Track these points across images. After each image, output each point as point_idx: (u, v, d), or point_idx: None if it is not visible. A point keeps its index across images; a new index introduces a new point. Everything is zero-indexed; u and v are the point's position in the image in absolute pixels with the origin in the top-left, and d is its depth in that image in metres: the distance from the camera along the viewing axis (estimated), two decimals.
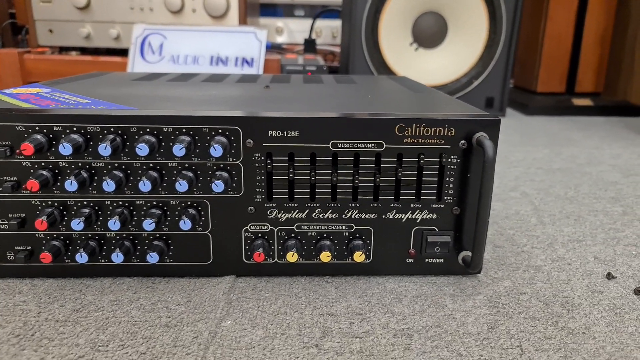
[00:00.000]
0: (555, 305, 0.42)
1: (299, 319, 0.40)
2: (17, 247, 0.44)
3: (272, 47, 1.68)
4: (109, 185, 0.40)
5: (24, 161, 0.41)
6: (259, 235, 0.44)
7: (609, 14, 1.37)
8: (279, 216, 0.44)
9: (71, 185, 0.40)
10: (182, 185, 0.41)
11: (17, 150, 0.41)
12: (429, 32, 1.31)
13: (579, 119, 1.33)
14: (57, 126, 0.40)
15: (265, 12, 2.20)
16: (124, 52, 1.33)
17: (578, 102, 1.38)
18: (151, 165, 0.42)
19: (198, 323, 0.39)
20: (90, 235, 0.43)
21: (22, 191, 0.42)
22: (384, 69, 1.29)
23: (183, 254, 0.44)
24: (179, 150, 0.40)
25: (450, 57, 1.32)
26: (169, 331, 0.38)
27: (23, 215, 0.43)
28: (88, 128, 0.40)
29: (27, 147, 0.39)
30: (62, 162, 0.41)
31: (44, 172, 0.41)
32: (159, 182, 0.42)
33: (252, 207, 0.43)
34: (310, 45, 1.70)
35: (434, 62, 1.32)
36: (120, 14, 1.29)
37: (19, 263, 0.44)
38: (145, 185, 0.40)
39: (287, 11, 2.21)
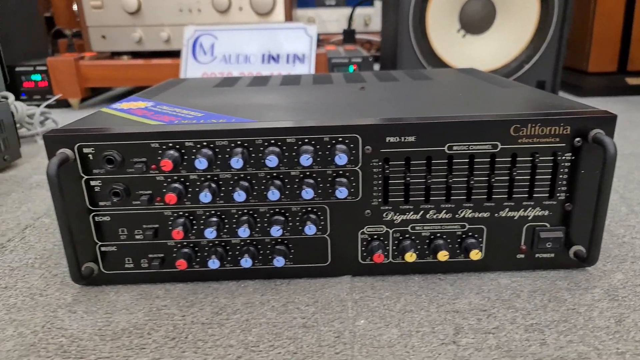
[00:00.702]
0: None
1: (427, 317, 0.41)
2: (150, 255, 0.46)
3: None
4: (239, 196, 0.42)
5: (157, 175, 0.44)
6: (375, 237, 0.46)
7: None
8: (394, 218, 0.46)
9: (205, 197, 0.43)
10: (307, 193, 0.43)
11: (153, 166, 0.43)
12: (477, 18, 1.30)
13: (634, 99, 1.31)
14: (189, 142, 0.43)
15: (298, 3, 2.20)
16: (173, 54, 1.36)
17: (632, 81, 1.35)
18: (274, 174, 0.44)
19: (333, 323, 0.41)
20: (217, 242, 0.46)
21: (155, 204, 0.45)
22: (432, 57, 1.29)
23: (303, 257, 0.47)
24: (306, 160, 0.42)
25: (499, 42, 1.30)
26: (309, 331, 0.40)
27: (156, 225, 0.45)
28: (217, 142, 0.43)
29: (167, 164, 0.42)
30: (193, 175, 0.44)
31: (178, 186, 0.44)
32: (283, 191, 0.44)
33: (368, 211, 0.45)
34: (349, 35, 1.71)
35: (482, 48, 1.31)
36: (170, 16, 1.31)
37: (153, 270, 0.47)
38: (273, 195, 0.43)
39: (319, 1, 2.20)
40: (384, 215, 0.45)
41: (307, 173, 0.44)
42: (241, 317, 0.42)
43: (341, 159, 0.42)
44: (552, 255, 0.47)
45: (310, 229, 0.44)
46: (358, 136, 0.43)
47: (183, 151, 0.43)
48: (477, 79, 0.66)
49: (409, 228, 0.46)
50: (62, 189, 0.41)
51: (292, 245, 0.46)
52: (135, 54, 1.38)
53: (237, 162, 0.42)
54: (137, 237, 0.46)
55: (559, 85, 1.31)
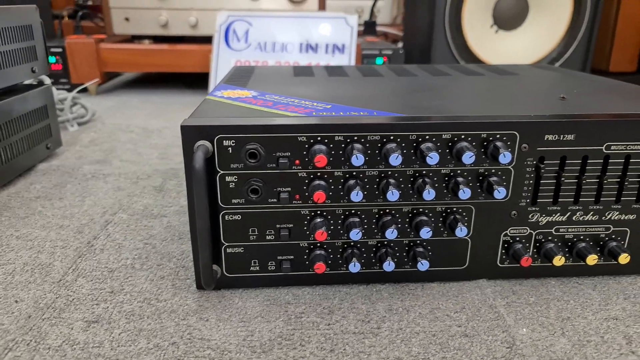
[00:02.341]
0: None
1: (588, 325, 0.40)
2: (279, 257, 0.43)
3: None
4: (393, 195, 0.39)
5: (300, 172, 0.40)
6: (517, 239, 0.44)
7: None
8: (540, 220, 0.44)
9: (357, 195, 0.39)
10: (465, 193, 0.40)
11: (297, 161, 0.40)
12: (510, 14, 1.29)
13: None
14: (338, 136, 0.39)
15: None
16: (199, 40, 1.30)
17: None
18: (430, 173, 0.41)
19: (495, 331, 0.39)
20: (356, 243, 0.43)
21: (293, 202, 0.41)
22: (466, 52, 1.27)
23: (441, 260, 0.44)
24: (468, 158, 0.39)
25: (530, 39, 1.30)
26: (473, 341, 0.38)
27: (291, 225, 0.42)
28: (369, 137, 0.40)
29: (321, 159, 0.38)
30: (338, 171, 0.40)
31: (324, 183, 0.40)
32: (442, 190, 0.41)
33: (515, 212, 0.43)
34: (370, 27, 1.67)
35: (514, 44, 1.30)
36: (198, 0, 1.26)
37: (281, 273, 0.43)
38: (429, 194, 0.40)
39: None
40: (530, 216, 0.43)
41: (459, 171, 0.41)
42: (392, 325, 0.40)
43: (505, 157, 0.39)
44: None
45: (461, 231, 0.41)
46: (516, 133, 0.40)
47: (332, 145, 0.40)
48: (564, 75, 0.65)
49: (552, 230, 0.44)
50: (207, 186, 0.38)
51: (430, 247, 0.44)
52: (157, 39, 1.32)
53: (395, 159, 0.38)
54: (269, 237, 0.42)
55: None
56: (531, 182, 0.42)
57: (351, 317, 0.41)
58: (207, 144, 0.38)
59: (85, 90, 1.34)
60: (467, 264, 0.45)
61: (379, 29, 2.01)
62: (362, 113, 0.42)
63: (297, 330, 0.39)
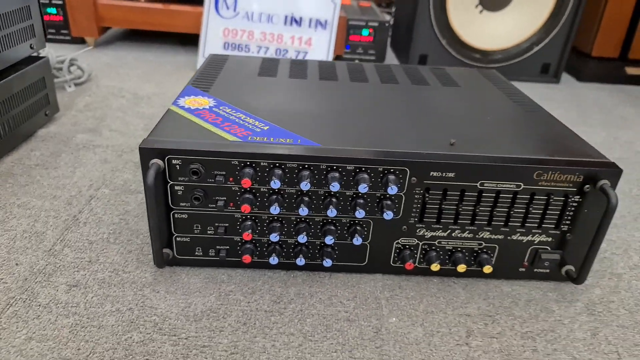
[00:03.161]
0: (638, 313, 0.55)
1: (445, 319, 0.52)
2: (218, 247, 0.55)
3: None
4: (303, 210, 0.51)
5: (233, 186, 0.51)
6: (407, 246, 0.56)
7: None
8: (425, 234, 0.55)
9: (274, 209, 0.51)
10: (360, 213, 0.51)
11: (231, 178, 0.51)
12: None
13: (631, 90, 1.39)
14: (264, 162, 0.50)
15: None
16: (194, 1, 1.35)
17: (631, 70, 1.43)
18: (334, 194, 0.52)
19: (371, 319, 0.51)
20: (280, 243, 0.55)
21: (228, 208, 0.53)
22: (448, 31, 1.33)
23: (345, 257, 0.56)
24: (363, 188, 0.50)
25: (513, 21, 1.34)
26: (352, 325, 0.50)
27: (227, 224, 0.54)
28: (288, 164, 0.50)
29: (246, 182, 0.49)
30: (264, 188, 0.51)
31: (251, 197, 0.51)
32: (339, 209, 0.52)
33: (405, 227, 0.54)
34: None
35: (497, 25, 1.35)
36: None
37: (220, 258, 0.55)
38: (332, 212, 0.51)
39: None
40: (417, 231, 0.55)
41: (360, 194, 0.52)
42: (296, 307, 0.52)
43: (392, 189, 0.50)
44: (548, 271, 0.57)
45: (357, 240, 0.53)
46: (407, 169, 0.51)
47: (258, 169, 0.50)
48: (505, 95, 0.73)
49: (435, 242, 0.55)
50: (157, 196, 0.49)
51: (338, 248, 0.56)
52: None
53: (305, 185, 0.49)
54: (209, 232, 0.54)
55: (562, 70, 1.38)
56: (419, 206, 0.53)
57: (267, 297, 0.53)
58: (160, 162, 0.49)
59: (84, 42, 1.42)
60: (366, 261, 0.57)
61: None
62: (288, 140, 0.52)
63: (223, 305, 0.52)
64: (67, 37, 1.40)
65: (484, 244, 0.56)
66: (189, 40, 1.54)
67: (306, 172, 0.50)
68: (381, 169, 0.51)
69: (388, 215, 0.51)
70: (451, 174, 0.51)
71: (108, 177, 0.74)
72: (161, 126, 0.54)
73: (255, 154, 0.50)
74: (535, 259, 0.56)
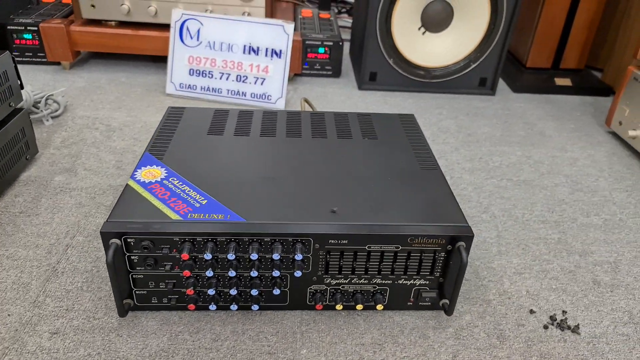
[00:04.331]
0: (493, 337, 0.71)
1: (344, 349, 0.68)
2: (169, 296, 0.70)
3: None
4: (232, 273, 0.66)
5: (177, 255, 0.66)
6: (317, 291, 0.71)
7: (600, 3, 1.50)
8: (330, 281, 0.71)
9: (209, 273, 0.66)
10: (276, 273, 0.67)
11: (175, 250, 0.66)
12: (437, 18, 1.44)
13: (557, 100, 1.53)
14: (200, 237, 0.65)
15: None
16: (161, 26, 1.46)
17: (560, 81, 1.57)
18: (253, 260, 0.67)
19: (287, 351, 0.68)
20: (216, 294, 0.70)
21: (174, 270, 0.68)
22: (394, 51, 1.45)
23: (272, 299, 0.72)
24: (276, 256, 0.65)
25: (452, 41, 1.47)
26: (272, 358, 0.66)
27: (174, 281, 0.69)
28: (218, 238, 0.65)
29: (185, 256, 0.64)
30: (201, 255, 0.66)
31: (191, 263, 0.66)
32: (261, 269, 0.67)
33: (315, 277, 0.70)
34: (324, 2, 1.80)
35: (438, 45, 1.47)
36: None
37: (171, 305, 0.71)
38: (254, 273, 0.66)
39: None
40: (325, 279, 0.70)
41: (276, 258, 0.67)
42: (230, 344, 0.68)
43: (299, 257, 0.65)
44: (429, 303, 0.74)
45: (276, 291, 0.69)
46: (311, 239, 0.66)
47: (194, 242, 0.65)
48: (408, 145, 0.88)
49: (340, 287, 0.71)
50: (116, 270, 0.64)
51: (265, 294, 0.71)
52: (124, 23, 1.47)
53: (231, 256, 0.64)
54: (161, 286, 0.69)
55: (497, 83, 1.52)
56: (323, 263, 0.69)
57: (208, 336, 0.69)
58: (118, 241, 0.64)
59: (60, 63, 1.52)
60: (288, 302, 0.73)
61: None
62: (220, 216, 0.67)
63: (173, 344, 0.67)
64: (44, 60, 1.50)
65: (377, 287, 0.72)
66: (160, 58, 1.64)
67: (232, 245, 0.65)
68: (291, 240, 0.66)
69: (298, 273, 0.67)
70: (345, 241, 0.67)
71: (82, 224, 0.88)
72: (120, 206, 0.68)
73: (191, 233, 0.64)
74: (418, 296, 0.73)
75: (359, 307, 0.72)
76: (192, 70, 1.37)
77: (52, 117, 1.23)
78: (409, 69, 1.48)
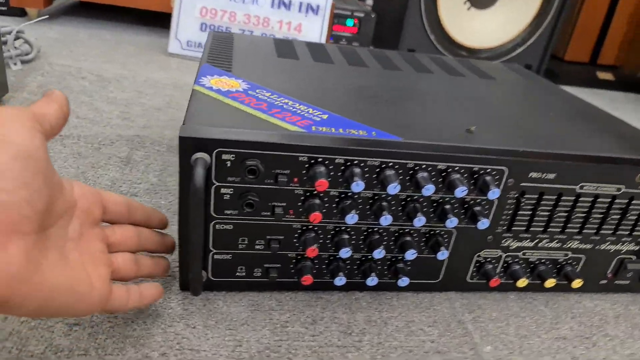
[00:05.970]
0: None
1: (541, 344, 0.44)
2: (266, 265, 0.44)
3: None
4: (386, 220, 0.41)
5: (297, 189, 0.40)
6: (488, 259, 0.47)
7: None
8: (511, 244, 0.47)
9: (352, 218, 0.40)
10: (452, 222, 0.42)
11: (295, 178, 0.40)
12: None
13: (601, 93, 1.41)
14: (339, 158, 0.39)
15: None
16: None
17: (602, 75, 1.45)
18: (421, 199, 0.42)
19: (463, 348, 0.43)
20: (347, 260, 0.44)
21: (286, 216, 0.41)
22: (437, 26, 1.27)
23: (416, 273, 0.47)
24: (460, 192, 0.41)
25: (500, 20, 1.31)
26: (446, 358, 0.41)
27: (282, 237, 0.42)
28: (369, 162, 0.40)
29: (322, 184, 0.38)
30: (334, 191, 0.41)
31: (320, 202, 0.41)
32: (431, 216, 0.43)
33: (491, 237, 0.46)
34: None
35: (484, 23, 1.31)
36: None
37: (268, 279, 0.44)
38: (419, 221, 0.41)
39: None
40: (503, 241, 0.47)
41: (447, 199, 0.43)
42: (372, 338, 0.42)
43: (494, 193, 0.41)
44: (628, 282, 0.52)
45: (442, 254, 0.44)
46: (505, 169, 0.42)
47: (331, 167, 0.40)
48: (537, 87, 0.67)
49: (520, 253, 0.48)
50: (201, 203, 0.37)
51: (410, 263, 0.46)
52: None
53: (394, 189, 0.39)
54: (258, 247, 0.42)
55: (543, 71, 1.37)
56: (510, 212, 0.45)
57: (334, 327, 0.43)
58: (206, 156, 0.37)
59: (24, 13, 1.21)
60: (440, 278, 0.48)
61: None
62: (360, 132, 0.42)
63: (283, 341, 0.40)
64: (3, 8, 1.19)
65: (570, 255, 0.49)
66: (152, 18, 1.36)
67: (390, 172, 0.40)
68: (477, 169, 0.42)
69: (483, 223, 0.43)
70: (551, 176, 0.44)
71: (89, 176, 0.59)
72: (195, 109, 0.41)
73: (328, 148, 0.39)
74: (620, 269, 0.50)
75: (550, 282, 0.48)
76: (204, 25, 1.11)
77: (22, 62, 0.92)
78: (452, 47, 1.30)
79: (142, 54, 1.09)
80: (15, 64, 0.89)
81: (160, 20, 1.31)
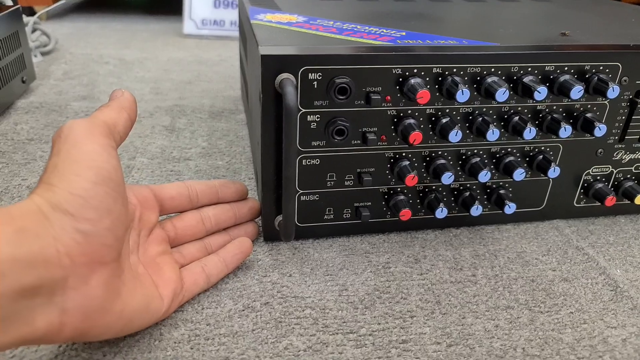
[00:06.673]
0: None
1: None
2: (356, 204, 0.39)
3: None
4: (493, 134, 0.36)
5: (389, 109, 0.36)
6: (598, 178, 0.42)
7: None
8: (623, 157, 0.42)
9: (456, 135, 0.35)
10: (565, 131, 0.37)
11: (388, 97, 0.35)
12: None
13: None
14: (436, 68, 0.35)
15: None
16: None
17: None
18: (525, 110, 0.37)
19: (591, 273, 0.38)
20: (441, 188, 0.40)
21: (380, 143, 0.37)
22: None
23: (519, 201, 0.42)
24: (577, 93, 0.36)
25: None
26: (574, 285, 0.36)
27: (373, 169, 0.38)
28: (469, 69, 0.35)
29: (424, 95, 0.33)
30: (430, 109, 0.36)
31: (415, 122, 0.36)
32: (538, 129, 0.38)
33: (601, 150, 0.41)
34: None
35: None
36: None
37: (359, 220, 0.39)
38: (530, 133, 0.36)
39: None
40: (615, 154, 0.41)
41: (554, 107, 0.38)
42: (486, 272, 0.37)
43: (614, 91, 0.36)
44: None
45: (553, 172, 0.39)
46: (619, 64, 0.37)
47: (427, 79, 0.35)
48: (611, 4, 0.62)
49: (632, 168, 0.43)
50: (291, 132, 0.32)
51: (512, 189, 0.41)
52: None
53: (502, 95, 0.34)
54: (347, 183, 0.38)
55: None
56: (623, 117, 0.40)
57: (440, 265, 0.38)
58: (292, 77, 0.33)
59: (32, 13, 1.17)
60: (544, 204, 0.43)
61: None
62: (450, 42, 0.37)
63: (391, 282, 0.36)
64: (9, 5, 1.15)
65: None
66: (158, 9, 1.32)
67: (493, 78, 0.35)
68: (588, 67, 0.37)
69: (600, 130, 0.37)
70: None
71: (138, 145, 0.55)
72: (267, 36, 0.37)
73: (429, 56, 0.34)
74: None
75: None
76: (217, 2, 1.06)
77: (42, 54, 0.88)
78: None
79: (157, 39, 1.05)
80: (35, 55, 0.85)
81: (163, 9, 1.27)
